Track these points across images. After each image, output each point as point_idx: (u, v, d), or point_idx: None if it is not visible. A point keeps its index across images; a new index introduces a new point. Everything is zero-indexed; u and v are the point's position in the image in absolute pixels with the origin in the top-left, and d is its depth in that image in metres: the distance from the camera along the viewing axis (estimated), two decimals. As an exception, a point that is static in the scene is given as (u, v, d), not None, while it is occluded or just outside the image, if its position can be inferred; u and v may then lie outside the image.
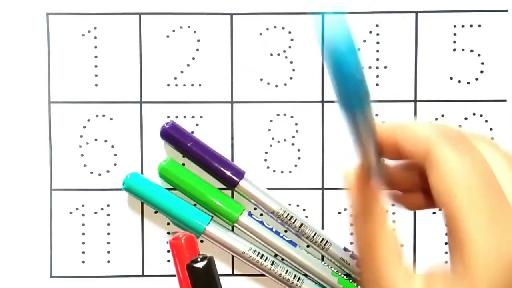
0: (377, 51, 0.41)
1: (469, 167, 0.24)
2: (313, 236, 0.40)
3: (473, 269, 0.22)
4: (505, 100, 0.41)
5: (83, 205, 0.41)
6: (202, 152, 0.39)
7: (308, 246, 0.41)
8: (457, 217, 0.23)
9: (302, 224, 0.40)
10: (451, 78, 0.41)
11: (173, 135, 0.39)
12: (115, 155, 0.41)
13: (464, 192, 0.23)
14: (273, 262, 0.39)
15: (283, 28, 0.41)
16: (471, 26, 0.41)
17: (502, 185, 0.24)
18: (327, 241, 0.40)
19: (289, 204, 0.41)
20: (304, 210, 0.41)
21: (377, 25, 0.41)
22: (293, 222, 0.40)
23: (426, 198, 0.29)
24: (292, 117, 0.41)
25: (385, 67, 0.41)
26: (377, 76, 0.41)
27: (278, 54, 0.41)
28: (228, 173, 0.39)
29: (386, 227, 0.27)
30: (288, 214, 0.39)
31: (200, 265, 0.31)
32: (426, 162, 0.25)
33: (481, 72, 0.41)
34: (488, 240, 0.22)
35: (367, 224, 0.27)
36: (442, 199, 0.24)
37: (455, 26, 0.41)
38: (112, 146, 0.41)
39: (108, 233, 0.41)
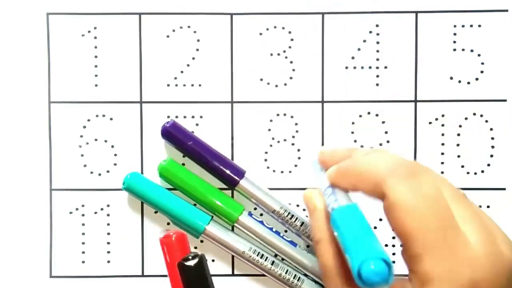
0: (377, 51, 0.41)
1: (422, 205, 0.26)
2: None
3: None
4: (505, 100, 0.41)
5: (83, 205, 0.41)
6: (202, 151, 0.39)
7: (308, 246, 0.41)
8: (416, 255, 0.25)
9: (302, 224, 0.40)
10: (451, 78, 0.41)
11: (174, 134, 0.39)
12: (115, 155, 0.41)
13: (420, 232, 0.25)
14: (273, 262, 0.39)
15: (283, 28, 0.41)
16: (471, 26, 0.41)
17: (454, 215, 0.26)
18: None
19: (289, 204, 0.41)
20: (304, 210, 0.41)
21: (377, 25, 0.41)
22: (294, 221, 0.40)
23: None
24: (292, 117, 0.41)
25: (385, 67, 0.41)
26: (377, 76, 0.41)
27: (278, 54, 0.41)
28: (229, 172, 0.39)
29: (337, 256, 0.29)
30: (289, 213, 0.39)
31: (191, 263, 0.31)
32: (384, 202, 0.27)
33: (481, 72, 0.41)
34: (445, 275, 0.25)
35: (330, 249, 0.29)
36: (400, 236, 0.26)
37: (455, 26, 0.41)
38: (112, 146, 0.41)
39: (108, 233, 0.41)
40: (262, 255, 0.39)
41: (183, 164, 0.41)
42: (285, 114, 0.41)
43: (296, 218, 0.40)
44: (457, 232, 0.25)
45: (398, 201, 0.26)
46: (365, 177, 0.28)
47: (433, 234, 0.25)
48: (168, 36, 0.41)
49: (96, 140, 0.41)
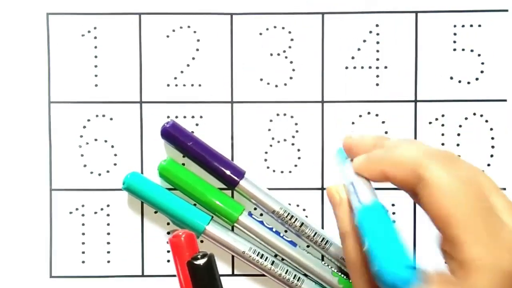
0: (377, 51, 0.41)
1: (463, 188, 0.25)
2: (313, 236, 0.40)
3: (473, 284, 0.24)
4: (505, 100, 0.41)
5: (83, 205, 0.41)
6: (202, 151, 0.39)
7: (308, 246, 0.41)
8: (458, 239, 0.25)
9: (302, 224, 0.40)
10: (451, 78, 0.41)
11: (174, 135, 0.39)
12: (115, 155, 0.41)
13: (461, 215, 0.25)
14: (273, 262, 0.39)
15: (283, 28, 0.41)
16: (471, 26, 0.41)
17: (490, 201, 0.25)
18: (327, 241, 0.40)
19: (289, 204, 0.41)
20: (304, 210, 0.41)
21: (377, 25, 0.41)
22: (294, 222, 0.40)
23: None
24: (292, 117, 0.41)
25: (385, 67, 0.41)
26: (377, 76, 0.41)
27: (278, 54, 0.41)
28: (228, 172, 0.39)
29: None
30: (289, 213, 0.39)
31: (200, 262, 0.31)
32: (418, 186, 0.26)
33: (481, 72, 0.41)
34: (488, 260, 0.24)
35: (355, 243, 0.29)
36: (440, 222, 0.25)
37: (455, 26, 0.41)
38: (112, 146, 0.41)
39: (108, 233, 0.41)
40: (262, 255, 0.39)
41: (183, 164, 0.41)
42: (285, 114, 0.41)
43: (296, 219, 0.40)
44: (497, 219, 0.25)
45: (438, 184, 0.25)
46: (401, 163, 0.27)
47: (476, 218, 0.25)
48: (168, 36, 0.41)
49: (96, 140, 0.41)
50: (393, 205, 0.41)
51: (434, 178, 0.25)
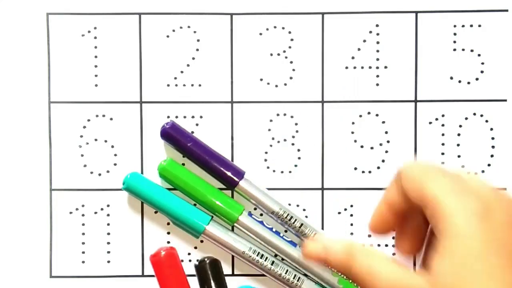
0: (377, 51, 0.41)
1: (431, 166, 0.27)
2: (313, 236, 0.40)
3: (452, 227, 0.25)
4: (505, 100, 0.41)
5: (83, 205, 0.41)
6: (202, 152, 0.39)
7: (308, 246, 0.41)
8: (431, 197, 0.26)
9: (302, 224, 0.40)
10: (451, 78, 0.41)
11: (173, 135, 0.39)
12: (115, 155, 0.41)
13: (432, 179, 0.27)
14: (273, 262, 0.39)
15: (283, 28, 0.41)
16: (471, 26, 0.41)
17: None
18: None
19: (289, 204, 0.41)
20: (304, 210, 0.41)
21: (377, 25, 0.41)
22: (293, 223, 0.40)
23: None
24: (292, 117, 0.41)
25: (385, 67, 0.41)
26: (377, 76, 0.41)
27: (278, 54, 0.41)
28: (228, 173, 0.39)
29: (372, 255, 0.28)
30: (288, 214, 0.39)
31: (207, 260, 0.32)
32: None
33: (481, 72, 0.41)
34: (459, 206, 0.26)
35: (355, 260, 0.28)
36: (417, 190, 0.27)
37: (455, 26, 0.41)
38: (112, 146, 0.41)
39: (108, 233, 0.41)
40: (262, 255, 0.39)
41: (183, 164, 0.41)
42: (285, 114, 0.41)
43: (296, 219, 0.40)
44: (462, 178, 0.27)
45: (410, 167, 0.27)
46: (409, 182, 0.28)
47: (444, 178, 0.27)
48: (168, 36, 0.41)
49: (96, 140, 0.41)
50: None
51: (408, 166, 0.27)
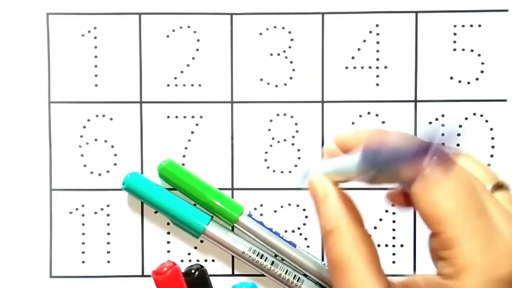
0: (377, 51, 0.41)
1: (460, 188, 0.25)
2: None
3: (464, 285, 0.24)
4: (505, 100, 0.41)
5: (83, 205, 0.41)
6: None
7: (308, 246, 0.41)
8: (452, 240, 0.24)
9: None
10: (451, 78, 0.41)
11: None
12: (115, 155, 0.41)
13: (458, 216, 0.24)
14: (273, 262, 0.39)
15: (283, 28, 0.41)
16: (471, 26, 0.41)
17: (484, 201, 0.25)
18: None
19: (289, 204, 0.41)
20: (304, 210, 0.41)
21: (377, 25, 0.41)
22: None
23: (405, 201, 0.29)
24: (292, 117, 0.41)
25: (385, 67, 0.41)
26: (377, 76, 0.41)
27: (278, 54, 0.41)
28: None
29: (361, 241, 0.27)
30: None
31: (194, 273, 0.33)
32: (415, 184, 0.25)
33: (481, 72, 0.41)
34: (481, 262, 0.24)
35: (350, 236, 0.27)
36: (436, 223, 0.25)
37: (455, 26, 0.41)
38: (112, 146, 0.41)
39: (108, 233, 0.41)
40: (262, 255, 0.39)
41: (183, 164, 0.41)
42: (285, 114, 0.41)
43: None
44: (492, 223, 0.24)
45: (435, 182, 0.24)
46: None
47: (473, 219, 0.24)
48: (168, 36, 0.41)
49: (96, 140, 0.41)
50: (393, 205, 0.41)
51: (431, 175, 0.24)
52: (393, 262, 0.41)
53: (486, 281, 0.23)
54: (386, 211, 0.41)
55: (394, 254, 0.41)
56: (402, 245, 0.41)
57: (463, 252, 0.24)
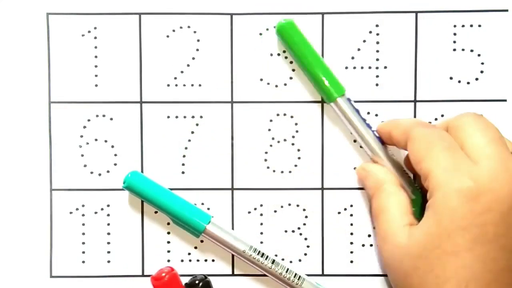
0: (377, 51, 0.41)
1: (435, 135, 0.34)
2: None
3: (437, 203, 0.33)
4: (505, 100, 0.41)
5: (83, 205, 0.41)
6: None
7: (308, 246, 0.41)
8: (428, 171, 0.33)
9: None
10: (451, 78, 0.41)
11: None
12: (115, 155, 0.41)
13: (428, 156, 0.33)
14: (273, 261, 0.39)
15: (283, 28, 0.41)
16: (471, 26, 0.41)
17: (460, 143, 0.34)
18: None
19: (289, 204, 0.41)
20: (304, 210, 0.41)
21: (377, 25, 0.41)
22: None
23: None
24: (292, 117, 0.41)
25: (385, 67, 0.41)
26: (377, 76, 0.41)
27: (278, 54, 0.41)
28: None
29: (393, 197, 0.37)
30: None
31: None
32: (407, 142, 0.36)
33: (481, 72, 0.41)
34: (447, 180, 0.32)
35: (378, 196, 0.38)
36: (417, 161, 0.34)
37: (455, 26, 0.41)
38: (112, 146, 0.41)
39: (108, 233, 0.41)
40: (263, 254, 0.39)
41: (183, 165, 0.41)
42: (285, 114, 0.41)
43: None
44: (460, 153, 0.33)
45: (417, 136, 0.35)
46: (397, 123, 0.38)
47: (440, 152, 0.33)
48: (168, 36, 0.41)
49: (96, 140, 0.41)
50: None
51: (415, 133, 0.35)
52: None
53: (449, 191, 0.32)
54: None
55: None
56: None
57: (433, 175, 0.33)
